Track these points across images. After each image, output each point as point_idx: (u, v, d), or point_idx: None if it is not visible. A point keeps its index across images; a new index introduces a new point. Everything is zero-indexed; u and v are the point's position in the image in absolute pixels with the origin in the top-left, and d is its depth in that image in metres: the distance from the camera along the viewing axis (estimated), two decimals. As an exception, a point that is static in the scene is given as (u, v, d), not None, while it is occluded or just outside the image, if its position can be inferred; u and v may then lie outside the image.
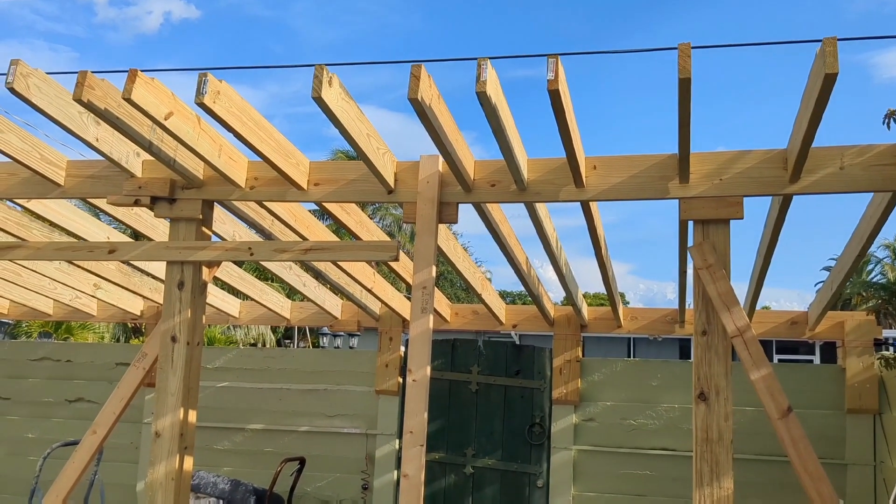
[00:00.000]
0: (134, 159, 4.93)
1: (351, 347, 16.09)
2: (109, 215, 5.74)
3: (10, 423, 8.68)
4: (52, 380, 8.65)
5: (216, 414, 8.20)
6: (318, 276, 6.66)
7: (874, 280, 37.08)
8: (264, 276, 18.45)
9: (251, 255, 4.85)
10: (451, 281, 40.41)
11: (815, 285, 39.65)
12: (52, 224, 6.04)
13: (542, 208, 5.02)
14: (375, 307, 7.85)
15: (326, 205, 5.10)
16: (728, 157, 4.29)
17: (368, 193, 4.74)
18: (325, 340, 17.09)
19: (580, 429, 7.50)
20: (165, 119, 4.08)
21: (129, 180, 4.98)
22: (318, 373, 8.14)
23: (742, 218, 4.27)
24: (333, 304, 8.07)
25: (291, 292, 7.61)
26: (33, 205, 5.69)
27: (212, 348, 8.60)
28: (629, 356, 24.30)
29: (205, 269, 5.03)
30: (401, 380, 7.74)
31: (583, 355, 7.67)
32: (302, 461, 7.46)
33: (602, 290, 6.69)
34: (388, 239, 5.43)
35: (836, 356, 7.44)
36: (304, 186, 4.76)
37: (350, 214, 5.40)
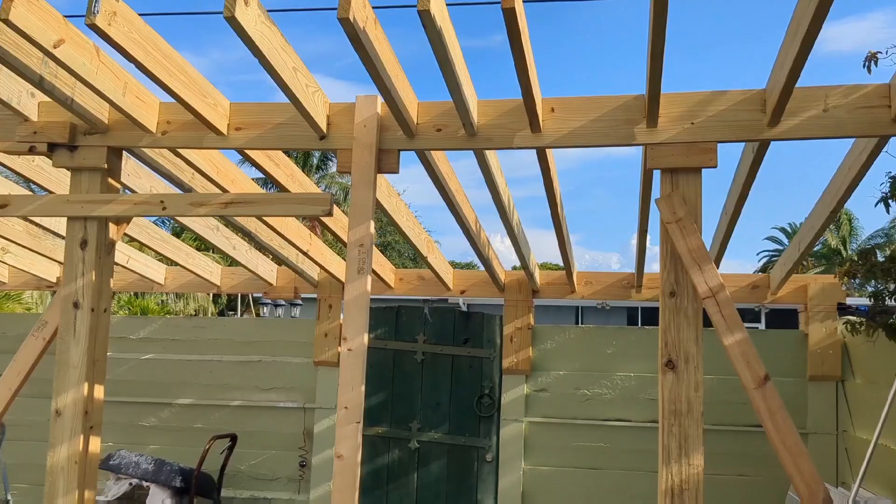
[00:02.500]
0: (27, 100, 4.30)
1: (293, 317, 15.49)
2: (17, 173, 5.10)
3: (-87, 401, 7.94)
4: (-38, 353, 7.93)
5: (140, 388, 7.61)
6: (249, 237, 6.09)
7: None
8: (203, 246, 17.66)
9: (164, 209, 4.27)
10: (399, 251, 39.81)
11: (758, 255, 40.07)
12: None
13: (493, 160, 4.53)
14: (314, 273, 7.30)
15: (252, 155, 4.53)
16: (701, 97, 3.85)
17: (297, 139, 4.19)
18: (265, 310, 16.41)
19: (532, 399, 7.10)
20: (55, 48, 3.47)
21: (22, 124, 4.35)
22: (252, 343, 7.58)
23: (715, 166, 3.83)
24: (268, 270, 7.49)
25: (235, 262, 6.99)
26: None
27: (135, 318, 7.99)
28: (577, 324, 24.14)
29: (112, 227, 4.44)
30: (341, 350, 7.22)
31: (534, 322, 7.25)
32: (233, 438, 6.93)
33: (548, 259, 6.23)
34: (320, 192, 4.88)
35: (784, 324, 7.14)
36: (224, 131, 4.19)
37: (280, 166, 4.84)
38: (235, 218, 5.58)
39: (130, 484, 6.56)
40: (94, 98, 4.12)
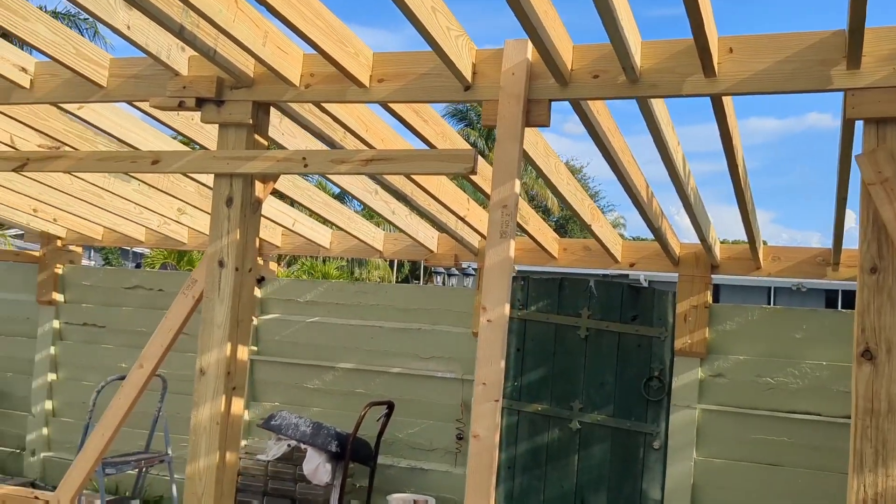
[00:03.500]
0: (177, 54, 4.24)
1: (465, 287, 15.38)
2: (176, 131, 5.14)
3: (104, 352, 8.46)
4: (145, 309, 8.33)
5: (306, 350, 7.67)
6: (405, 201, 5.88)
7: None
8: (368, 214, 17.86)
9: (305, 165, 4.09)
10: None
11: None
12: (119, 140, 5.49)
13: (661, 112, 4.00)
14: (474, 240, 7.02)
15: (399, 111, 4.27)
16: (918, 32, 3.16)
17: (441, 90, 3.87)
18: (438, 279, 16.41)
19: (706, 385, 6.48)
20: (189, -8, 3.34)
21: (172, 79, 4.30)
22: (412, 311, 7.43)
23: (935, 115, 3.14)
24: (428, 236, 7.29)
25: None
26: (111, 120, 5.13)
27: (302, 281, 8.06)
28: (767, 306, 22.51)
29: (258, 185, 4.33)
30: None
31: (714, 301, 6.60)
32: (390, 406, 6.81)
33: (735, 237, 5.54)
34: (465, 148, 4.54)
35: None
36: (366, 83, 3.94)
37: (429, 123, 4.54)
38: (387, 179, 5.38)
39: (289, 445, 6.60)
40: (237, 49, 3.99)
